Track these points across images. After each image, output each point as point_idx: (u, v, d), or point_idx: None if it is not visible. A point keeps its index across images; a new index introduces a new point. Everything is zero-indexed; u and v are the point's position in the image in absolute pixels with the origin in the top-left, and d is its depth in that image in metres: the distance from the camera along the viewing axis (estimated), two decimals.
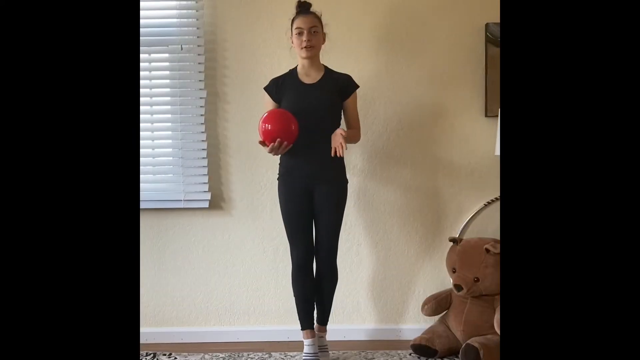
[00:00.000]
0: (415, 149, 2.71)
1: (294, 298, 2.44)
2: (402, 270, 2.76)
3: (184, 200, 2.72)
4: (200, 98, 2.69)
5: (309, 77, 2.36)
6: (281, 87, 2.35)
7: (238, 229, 2.77)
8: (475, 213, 2.72)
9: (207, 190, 2.73)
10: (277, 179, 2.42)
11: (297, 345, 2.54)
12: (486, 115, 2.66)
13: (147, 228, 2.75)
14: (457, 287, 2.47)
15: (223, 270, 2.79)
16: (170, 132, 2.73)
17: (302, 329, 2.43)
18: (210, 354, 2.60)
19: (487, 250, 2.45)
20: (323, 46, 2.38)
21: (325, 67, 2.39)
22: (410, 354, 2.53)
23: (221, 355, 2.58)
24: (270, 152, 2.23)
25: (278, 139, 2.18)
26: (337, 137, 2.24)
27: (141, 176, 2.66)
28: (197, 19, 2.68)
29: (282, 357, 2.55)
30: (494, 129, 2.63)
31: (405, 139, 2.70)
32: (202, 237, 2.78)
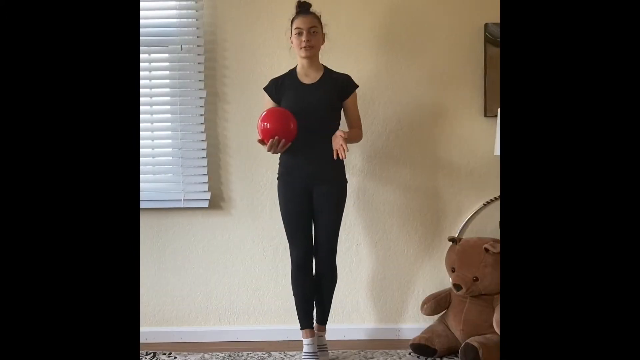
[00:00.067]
0: (415, 149, 2.71)
1: (293, 298, 2.44)
2: (401, 269, 2.77)
3: (184, 200, 2.72)
4: (200, 98, 2.69)
5: (308, 77, 2.36)
6: (281, 88, 2.36)
7: (238, 228, 2.77)
8: (475, 213, 2.72)
9: (206, 190, 2.74)
10: (277, 178, 2.42)
11: (297, 345, 2.54)
12: (485, 115, 2.66)
13: (147, 228, 2.76)
14: (457, 286, 2.47)
15: (223, 270, 2.79)
16: (170, 132, 2.73)
17: (301, 329, 2.44)
18: (210, 353, 2.61)
19: (486, 250, 2.45)
20: (323, 46, 2.38)
21: (325, 67, 2.39)
22: (409, 354, 2.54)
23: (221, 354, 2.59)
24: (268, 150, 2.23)
25: (276, 137, 2.19)
26: (338, 139, 2.24)
27: (141, 176, 2.66)
28: (197, 19, 2.68)
29: (282, 356, 2.55)
30: (494, 129, 2.64)
31: (404, 139, 2.71)
32: (202, 236, 2.78)
